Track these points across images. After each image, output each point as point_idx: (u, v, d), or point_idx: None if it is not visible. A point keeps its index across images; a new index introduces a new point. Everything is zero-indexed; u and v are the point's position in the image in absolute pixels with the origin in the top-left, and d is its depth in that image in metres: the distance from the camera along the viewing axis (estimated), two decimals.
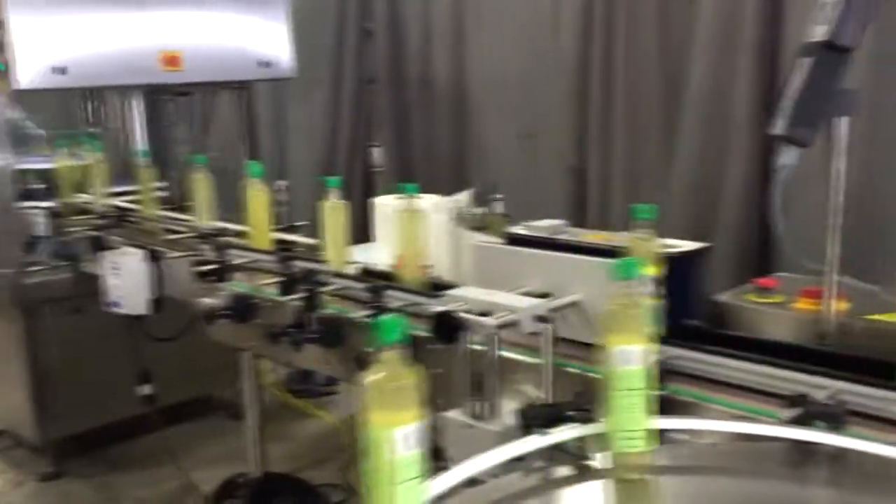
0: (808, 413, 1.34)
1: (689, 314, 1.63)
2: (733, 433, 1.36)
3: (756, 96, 2.93)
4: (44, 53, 3.08)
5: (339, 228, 2.37)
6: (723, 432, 1.39)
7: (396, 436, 0.98)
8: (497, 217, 2.34)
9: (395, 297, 2.02)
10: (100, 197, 3.40)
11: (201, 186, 2.97)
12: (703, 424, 1.41)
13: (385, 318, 1.04)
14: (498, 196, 2.61)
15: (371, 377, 1.00)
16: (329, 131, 4.64)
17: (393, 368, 1.01)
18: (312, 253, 2.63)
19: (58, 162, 3.90)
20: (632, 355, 1.17)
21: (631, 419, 1.19)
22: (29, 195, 3.67)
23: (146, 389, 3.32)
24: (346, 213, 2.39)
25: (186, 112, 4.52)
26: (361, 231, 4.55)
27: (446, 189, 3.42)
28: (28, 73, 3.05)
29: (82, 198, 3.65)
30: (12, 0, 3.01)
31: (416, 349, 1.91)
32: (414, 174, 4.36)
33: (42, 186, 3.85)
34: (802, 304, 1.88)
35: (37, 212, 3.48)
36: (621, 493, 1.22)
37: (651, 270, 1.59)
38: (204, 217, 2.95)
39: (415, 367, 1.03)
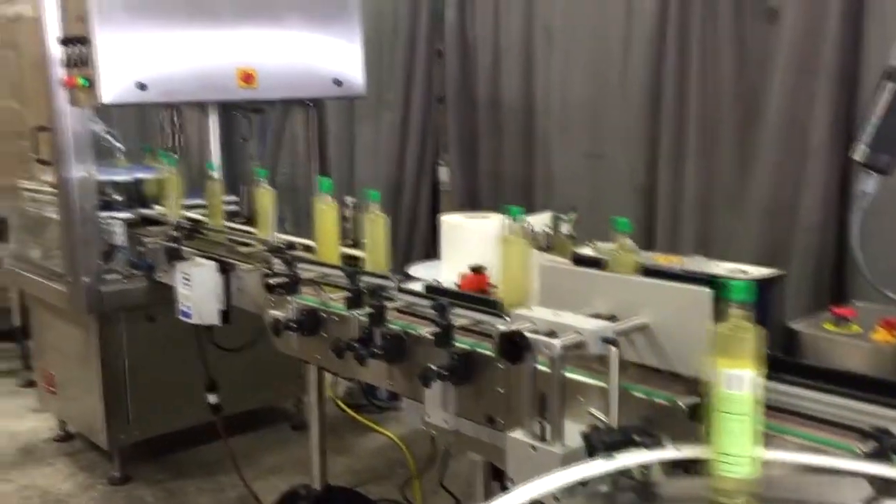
0: (886, 447, 1.30)
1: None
2: (807, 466, 1.32)
3: (834, 121, 2.86)
4: (127, 69, 3.19)
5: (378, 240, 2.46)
6: (796, 464, 1.35)
7: (731, 376, 1.18)
8: (564, 237, 2.34)
9: (461, 315, 2.03)
10: (176, 209, 3.50)
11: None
12: (776, 455, 1.37)
13: (738, 281, 1.24)
14: (564, 217, 2.60)
15: (720, 327, 1.21)
16: (397, 149, 4.69)
17: (738, 323, 1.20)
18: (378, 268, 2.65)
19: (136, 174, 4.04)
20: None
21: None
22: (108, 206, 3.81)
23: (213, 398, 3.39)
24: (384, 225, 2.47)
25: (259, 128, 4.63)
26: (427, 248, 4.61)
27: None
28: (111, 88, 3.17)
29: (159, 209, 3.77)
30: (98, 18, 3.13)
31: (478, 367, 1.93)
32: (481, 193, 4.37)
33: (121, 198, 3.99)
34: (881, 335, 1.82)
35: (115, 222, 3.59)
36: None
37: None
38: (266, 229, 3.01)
39: (755, 327, 1.23)
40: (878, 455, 1.30)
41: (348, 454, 4.10)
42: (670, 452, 1.28)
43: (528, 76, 4.05)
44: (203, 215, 3.57)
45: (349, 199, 3.11)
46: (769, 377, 1.53)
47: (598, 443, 1.34)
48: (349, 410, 3.95)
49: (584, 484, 1.36)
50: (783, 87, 2.98)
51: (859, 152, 1.59)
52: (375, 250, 2.51)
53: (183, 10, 3.31)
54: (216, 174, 3.45)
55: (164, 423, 3.85)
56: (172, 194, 3.53)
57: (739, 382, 1.20)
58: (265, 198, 3.11)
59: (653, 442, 1.29)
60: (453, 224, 2.62)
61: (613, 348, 1.52)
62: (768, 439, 1.48)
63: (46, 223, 3.85)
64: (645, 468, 1.56)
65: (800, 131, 2.95)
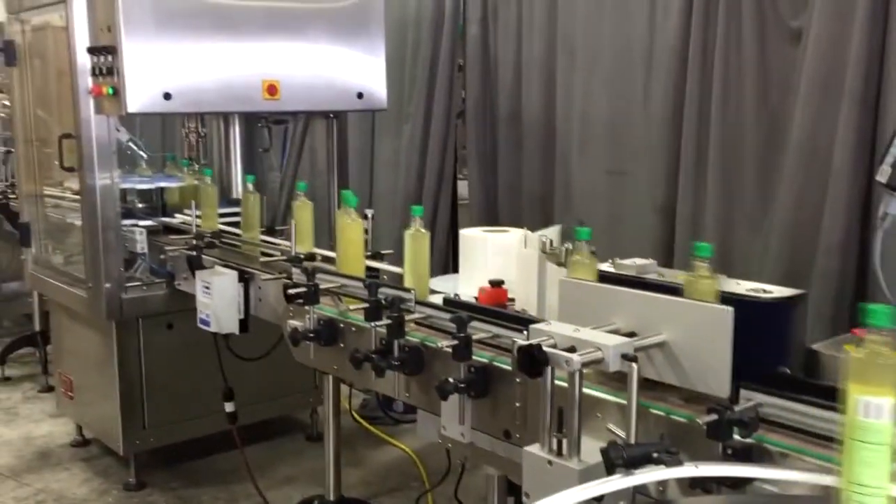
0: None
1: (782, 362, 1.59)
2: (823, 486, 1.32)
3: (857, 142, 2.86)
4: (152, 79, 3.23)
5: (421, 257, 2.43)
6: (812, 484, 1.35)
7: (869, 404, 1.13)
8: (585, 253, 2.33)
9: (479, 329, 2.03)
10: (206, 218, 3.52)
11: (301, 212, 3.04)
12: (794, 475, 1.36)
13: (878, 305, 1.18)
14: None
15: (856, 352, 1.15)
16: (417, 163, 4.71)
17: (877, 349, 1.13)
18: (398, 281, 2.66)
19: (159, 183, 4.09)
20: None
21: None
22: (130, 213, 3.85)
23: (230, 407, 3.40)
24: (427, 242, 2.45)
25: (280, 139, 4.66)
26: (445, 262, 4.62)
27: (531, 224, 3.44)
28: (137, 97, 3.20)
29: (181, 218, 3.80)
30: (126, 28, 3.17)
31: (496, 381, 1.94)
32: (499, 208, 4.38)
33: (143, 205, 4.03)
34: None
35: (137, 230, 3.63)
36: None
37: None
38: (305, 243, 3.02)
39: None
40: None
41: (362, 466, 4.10)
42: (689, 470, 1.28)
43: (549, 92, 4.07)
44: (225, 224, 3.61)
45: (368, 212, 3.13)
46: (791, 398, 1.53)
47: (616, 458, 1.34)
48: (364, 423, 3.96)
49: (599, 499, 1.36)
50: (806, 108, 2.97)
51: (883, 173, 1.59)
52: (418, 267, 2.46)
53: (209, 22, 3.35)
54: (251, 186, 3.45)
55: (179, 430, 3.87)
56: (207, 205, 3.55)
57: (878, 411, 1.14)
58: (304, 211, 3.09)
59: (672, 459, 1.29)
60: (472, 238, 2.63)
61: (634, 365, 1.52)
62: (787, 460, 1.48)
63: (69, 229, 3.90)
64: (662, 486, 1.56)
65: (822, 152, 2.94)
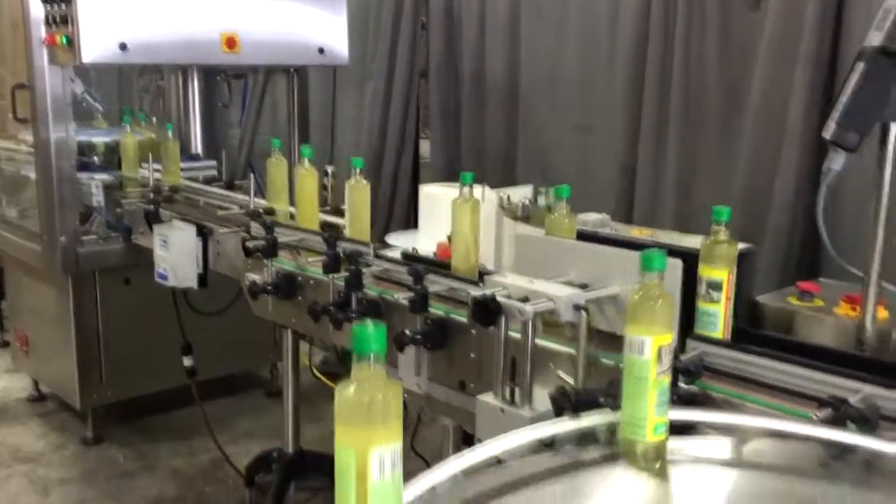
0: (841, 415, 1.35)
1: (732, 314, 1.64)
2: (766, 430, 1.37)
3: (810, 104, 2.90)
4: (108, 29, 3.17)
5: (362, 207, 2.49)
6: (754, 429, 1.40)
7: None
8: (541, 209, 2.36)
9: (436, 282, 2.06)
10: (169, 174, 3.46)
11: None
12: (735, 419, 1.41)
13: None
14: (542, 189, 2.63)
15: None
16: (380, 120, 4.68)
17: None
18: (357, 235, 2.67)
19: (115, 136, 4.02)
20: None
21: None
22: (86, 166, 3.79)
23: (188, 361, 3.40)
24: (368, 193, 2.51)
25: (240, 95, 4.61)
26: (407, 219, 4.62)
27: (494, 181, 3.46)
28: (92, 48, 3.15)
29: (137, 172, 3.75)
30: None
31: (451, 333, 1.97)
32: (462, 166, 4.38)
33: (99, 159, 3.97)
34: (842, 310, 1.87)
35: (93, 183, 3.58)
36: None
37: None
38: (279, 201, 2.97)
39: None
40: (833, 421, 1.34)
41: (322, 422, 4.12)
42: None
43: (513, 51, 4.06)
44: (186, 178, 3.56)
45: (329, 168, 3.12)
46: (734, 348, 1.58)
47: (564, 403, 1.38)
48: (323, 378, 3.99)
49: (550, 444, 1.40)
50: (764, 71, 3.01)
51: (828, 129, 1.63)
52: (358, 217, 2.50)
53: None
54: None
55: (138, 385, 3.87)
56: (170, 160, 3.50)
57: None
58: (278, 168, 2.93)
59: (617, 403, 1.33)
60: (432, 194, 2.65)
61: (583, 313, 1.55)
62: (731, 406, 1.53)
63: (24, 182, 3.83)
64: (612, 429, 1.61)
65: (778, 115, 2.98)
